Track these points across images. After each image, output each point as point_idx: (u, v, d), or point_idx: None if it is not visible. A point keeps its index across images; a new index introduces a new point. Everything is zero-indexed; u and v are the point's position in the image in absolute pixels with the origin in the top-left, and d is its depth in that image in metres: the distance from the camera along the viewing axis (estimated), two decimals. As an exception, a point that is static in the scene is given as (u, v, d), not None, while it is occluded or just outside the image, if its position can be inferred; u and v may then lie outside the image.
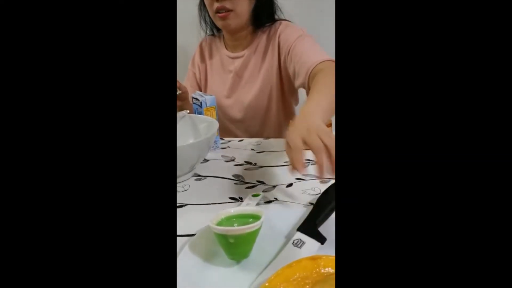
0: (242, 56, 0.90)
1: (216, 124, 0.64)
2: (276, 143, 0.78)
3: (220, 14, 0.81)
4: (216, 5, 0.80)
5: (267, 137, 0.84)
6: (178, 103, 0.83)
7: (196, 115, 0.73)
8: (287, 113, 0.94)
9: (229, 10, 0.80)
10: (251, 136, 0.92)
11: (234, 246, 0.37)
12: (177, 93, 0.80)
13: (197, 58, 0.99)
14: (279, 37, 0.84)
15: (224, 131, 0.95)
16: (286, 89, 0.90)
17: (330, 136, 0.43)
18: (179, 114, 0.70)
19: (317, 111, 0.51)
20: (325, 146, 0.41)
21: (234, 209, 0.42)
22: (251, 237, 0.38)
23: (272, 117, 0.92)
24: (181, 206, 0.52)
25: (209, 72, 0.96)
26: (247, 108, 0.91)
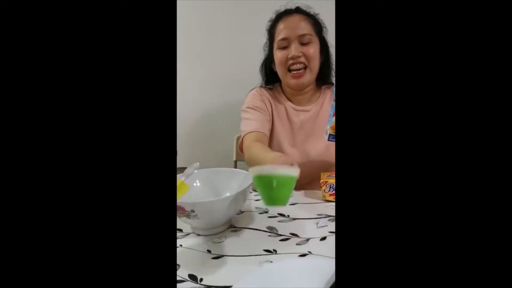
0: (309, 111, 0.93)
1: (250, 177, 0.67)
2: (308, 195, 0.80)
3: (295, 73, 0.84)
4: (290, 61, 0.83)
5: (299, 189, 0.85)
6: None
7: (233, 169, 0.78)
8: None
9: (304, 67, 0.83)
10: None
11: (276, 189, 0.41)
12: None
13: (266, 100, 0.94)
14: None
15: None
16: None
17: None
18: (193, 165, 0.71)
19: None
20: None
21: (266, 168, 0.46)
22: (291, 181, 0.43)
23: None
24: (217, 257, 0.54)
25: (275, 119, 0.96)
26: (310, 160, 0.93)
